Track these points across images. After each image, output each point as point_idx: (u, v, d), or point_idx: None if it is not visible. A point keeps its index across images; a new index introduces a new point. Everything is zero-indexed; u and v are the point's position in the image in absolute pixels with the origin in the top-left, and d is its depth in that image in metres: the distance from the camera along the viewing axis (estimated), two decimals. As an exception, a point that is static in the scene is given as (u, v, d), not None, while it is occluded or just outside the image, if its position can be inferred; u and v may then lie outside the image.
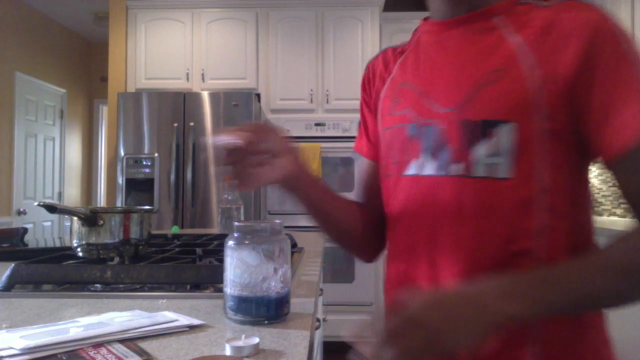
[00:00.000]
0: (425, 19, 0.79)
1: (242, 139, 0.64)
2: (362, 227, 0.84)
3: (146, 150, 3.16)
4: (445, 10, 0.73)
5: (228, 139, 0.64)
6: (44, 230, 4.70)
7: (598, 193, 3.35)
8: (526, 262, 0.63)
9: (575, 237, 0.65)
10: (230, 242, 0.69)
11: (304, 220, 3.36)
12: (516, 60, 0.65)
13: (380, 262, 3.06)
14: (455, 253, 0.66)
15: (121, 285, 0.89)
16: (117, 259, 1.02)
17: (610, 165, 0.62)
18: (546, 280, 0.57)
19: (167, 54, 3.51)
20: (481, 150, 0.65)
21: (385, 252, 0.84)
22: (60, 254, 1.07)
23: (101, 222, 0.98)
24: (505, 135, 0.63)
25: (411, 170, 0.72)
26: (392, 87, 0.79)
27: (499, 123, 0.64)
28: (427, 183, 0.70)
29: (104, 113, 5.46)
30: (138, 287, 0.90)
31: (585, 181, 0.67)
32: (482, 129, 0.65)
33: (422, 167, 0.70)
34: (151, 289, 0.89)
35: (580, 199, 0.66)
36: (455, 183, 0.67)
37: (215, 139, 0.65)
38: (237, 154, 0.65)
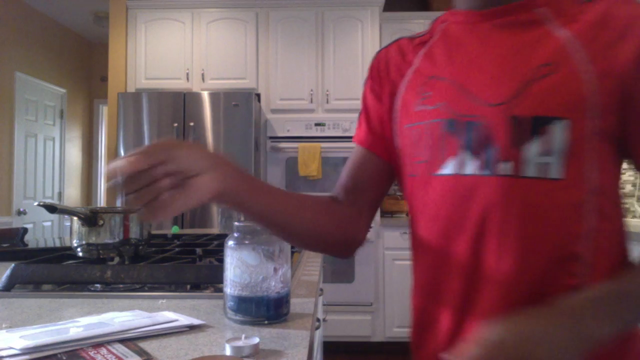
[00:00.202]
0: (450, 10, 0.75)
1: (136, 164, 0.53)
2: (332, 226, 0.77)
3: (146, 150, 3.16)
4: (480, 0, 0.69)
5: (123, 165, 0.53)
6: (44, 230, 4.70)
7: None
8: (574, 267, 0.61)
9: (617, 240, 0.64)
10: (230, 242, 0.69)
11: (304, 220, 3.36)
12: (567, 55, 0.61)
13: (380, 262, 3.06)
14: (500, 257, 0.63)
15: (121, 285, 0.89)
16: (117, 259, 1.02)
17: None
18: (621, 296, 0.56)
19: (167, 54, 3.51)
20: (532, 148, 0.61)
21: (411, 254, 0.79)
22: (60, 254, 1.07)
23: (101, 222, 0.98)
24: (558, 133, 0.60)
25: (447, 169, 0.67)
26: (417, 79, 0.74)
27: (552, 120, 0.60)
28: (468, 183, 0.65)
29: (104, 113, 5.46)
30: (138, 287, 0.90)
31: (620, 182, 0.65)
32: (533, 126, 0.61)
33: (462, 166, 0.66)
34: (151, 289, 0.89)
35: (620, 200, 0.65)
36: (503, 183, 0.62)
37: (110, 166, 0.54)
38: (138, 180, 0.54)
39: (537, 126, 0.61)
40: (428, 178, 0.70)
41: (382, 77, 0.80)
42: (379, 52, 0.83)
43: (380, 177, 0.81)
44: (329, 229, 0.77)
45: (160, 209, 0.54)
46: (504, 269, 0.62)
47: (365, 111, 0.83)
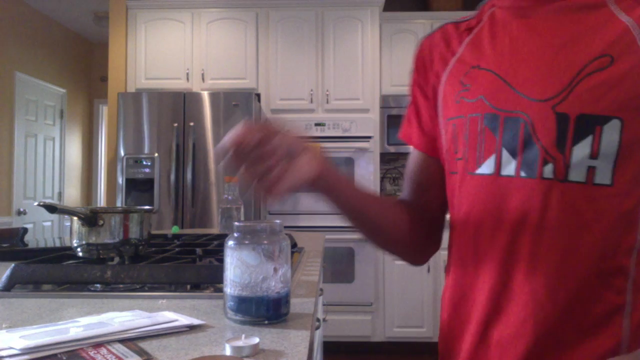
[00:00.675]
0: None
1: (247, 136, 0.57)
2: (409, 229, 0.75)
3: (146, 150, 3.16)
4: None
5: (233, 137, 0.57)
6: (44, 230, 4.70)
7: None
8: (618, 282, 0.56)
9: None
10: (230, 242, 0.69)
11: (304, 220, 3.36)
12: (630, 45, 0.55)
13: (380, 262, 3.06)
14: (536, 266, 0.57)
15: (121, 285, 0.89)
16: (117, 259, 1.02)
17: None
18: None
19: (167, 54, 3.51)
20: (579, 150, 0.55)
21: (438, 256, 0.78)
22: (60, 254, 1.07)
23: (101, 222, 0.98)
24: (610, 134, 0.54)
25: (484, 168, 0.62)
26: (459, 69, 0.68)
27: (604, 119, 0.54)
28: (504, 185, 0.60)
29: (104, 113, 5.46)
30: (138, 287, 0.89)
31: None
32: (580, 125, 0.55)
33: (501, 165, 0.60)
34: (151, 289, 0.89)
35: None
36: (543, 187, 0.57)
37: (220, 145, 0.59)
38: (249, 155, 0.58)
39: (584, 126, 0.55)
40: (464, 177, 0.65)
41: (427, 68, 0.74)
42: (423, 41, 0.77)
43: (440, 176, 0.75)
44: (410, 233, 0.75)
45: (273, 185, 0.59)
46: (535, 286, 0.57)
47: (415, 108, 0.77)
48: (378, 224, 0.74)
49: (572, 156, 0.56)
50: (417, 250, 0.78)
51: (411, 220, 0.76)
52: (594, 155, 0.55)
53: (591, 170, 0.55)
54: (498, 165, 0.61)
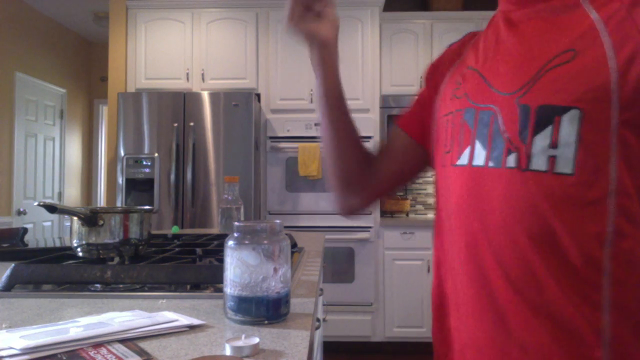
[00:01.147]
0: None
1: None
2: (360, 161, 0.83)
3: (146, 150, 3.16)
4: None
5: None
6: (44, 230, 4.70)
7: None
8: (594, 277, 0.55)
9: None
10: (230, 242, 0.69)
11: (304, 220, 3.36)
12: (595, 39, 0.57)
13: (380, 262, 3.06)
14: (499, 259, 0.59)
15: (121, 285, 0.89)
16: (117, 259, 1.02)
17: None
18: None
19: (167, 54, 3.51)
20: (542, 140, 0.57)
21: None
22: (60, 254, 1.07)
23: (101, 222, 0.98)
24: (569, 124, 0.56)
25: (462, 159, 0.65)
26: (458, 70, 0.73)
27: (563, 109, 0.56)
28: (477, 175, 0.63)
29: (104, 113, 5.46)
30: (138, 287, 0.90)
31: None
32: (544, 116, 0.57)
33: (474, 156, 0.63)
34: (151, 289, 0.89)
35: None
36: (507, 176, 0.59)
37: None
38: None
39: (544, 116, 0.57)
40: (448, 169, 0.69)
41: (439, 70, 0.80)
42: (447, 48, 0.83)
43: (406, 153, 0.82)
44: (358, 162, 0.82)
45: (309, 25, 0.76)
46: (507, 270, 0.58)
47: (415, 100, 0.84)
48: (345, 126, 0.81)
49: (533, 146, 0.58)
50: (351, 193, 0.84)
51: (365, 161, 0.83)
52: (553, 144, 0.57)
53: (552, 159, 0.57)
54: (472, 156, 0.64)
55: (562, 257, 0.56)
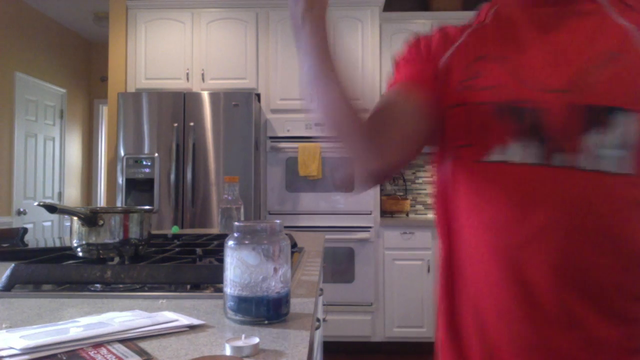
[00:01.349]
0: None
1: None
2: (359, 128, 0.71)
3: (146, 150, 3.16)
4: None
5: None
6: (44, 230, 4.70)
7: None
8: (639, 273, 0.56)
9: None
10: (230, 242, 0.69)
11: (304, 220, 3.36)
12: (631, 44, 0.58)
13: (380, 262, 3.04)
14: (548, 251, 0.58)
15: (121, 285, 0.89)
16: (117, 259, 1.02)
17: None
18: None
19: (167, 54, 3.51)
20: (595, 139, 0.57)
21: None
22: (60, 254, 1.07)
23: (101, 222, 0.98)
24: (625, 125, 0.56)
25: (495, 156, 0.63)
26: (463, 56, 0.69)
27: (619, 110, 0.56)
28: (518, 172, 0.60)
29: (104, 113, 5.46)
30: (138, 287, 0.89)
31: None
32: (598, 116, 0.57)
33: (513, 153, 0.61)
34: (151, 289, 0.89)
35: None
36: (559, 174, 0.58)
37: None
38: None
39: (601, 116, 0.57)
40: (472, 165, 0.65)
41: (424, 52, 0.73)
42: (417, 37, 0.76)
43: (420, 114, 0.70)
44: (359, 133, 0.71)
45: None
46: (550, 263, 0.57)
47: (406, 60, 0.74)
48: (340, 95, 0.71)
49: (587, 145, 0.57)
50: (373, 148, 0.72)
51: (360, 125, 0.72)
52: (611, 144, 0.56)
53: (609, 159, 0.57)
54: (510, 152, 0.61)
55: (609, 254, 0.56)
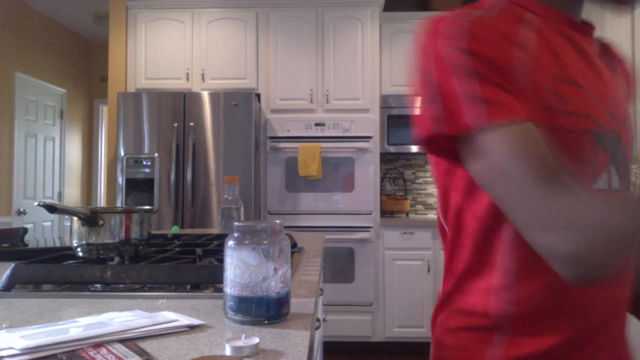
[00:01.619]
0: None
1: None
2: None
3: (146, 150, 3.16)
4: (575, 10, 0.67)
5: None
6: (44, 230, 4.70)
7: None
8: None
9: None
10: (230, 242, 0.69)
11: (304, 220, 3.36)
12: (630, 82, 0.68)
13: (380, 262, 3.04)
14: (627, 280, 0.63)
15: (121, 285, 0.89)
16: (117, 259, 1.02)
17: None
18: None
19: (167, 54, 3.52)
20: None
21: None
22: (60, 254, 1.07)
23: (101, 222, 0.98)
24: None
25: (600, 185, 0.64)
26: (542, 72, 0.60)
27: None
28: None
29: (104, 113, 5.46)
30: (138, 287, 0.90)
31: None
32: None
33: (611, 183, 0.63)
34: (151, 289, 0.89)
35: None
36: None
37: None
38: None
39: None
40: None
41: (500, 61, 0.59)
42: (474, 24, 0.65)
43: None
44: None
45: None
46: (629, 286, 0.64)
47: (497, 81, 0.58)
48: None
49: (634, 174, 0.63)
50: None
51: None
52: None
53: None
54: (609, 182, 0.63)
55: None
